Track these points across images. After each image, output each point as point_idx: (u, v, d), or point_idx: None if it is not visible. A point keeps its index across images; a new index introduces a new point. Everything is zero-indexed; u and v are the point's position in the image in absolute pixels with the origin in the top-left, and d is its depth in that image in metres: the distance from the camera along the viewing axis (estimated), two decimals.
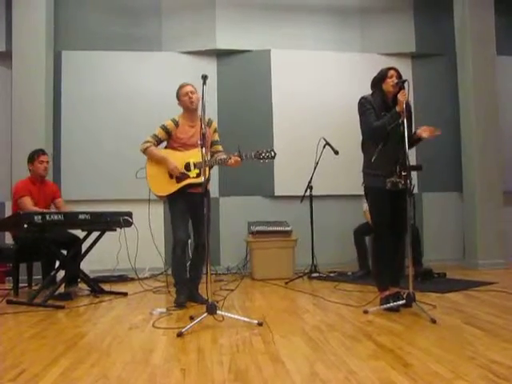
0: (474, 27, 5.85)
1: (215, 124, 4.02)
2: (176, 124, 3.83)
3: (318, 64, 6.07)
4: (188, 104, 3.81)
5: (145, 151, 3.82)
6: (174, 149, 3.83)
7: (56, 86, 5.70)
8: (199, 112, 3.46)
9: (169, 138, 3.85)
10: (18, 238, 4.35)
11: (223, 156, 3.77)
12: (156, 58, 5.90)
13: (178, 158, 3.76)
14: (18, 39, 5.43)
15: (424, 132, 3.40)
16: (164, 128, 3.82)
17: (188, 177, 3.75)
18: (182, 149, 3.81)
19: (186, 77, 4.06)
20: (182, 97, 3.83)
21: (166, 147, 3.92)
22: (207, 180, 3.68)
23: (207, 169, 3.64)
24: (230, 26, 5.99)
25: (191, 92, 3.81)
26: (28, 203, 4.27)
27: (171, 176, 3.78)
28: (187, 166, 3.75)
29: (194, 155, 3.71)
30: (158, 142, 3.85)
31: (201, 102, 3.17)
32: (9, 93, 5.52)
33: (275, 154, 3.51)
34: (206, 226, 3.15)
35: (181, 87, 3.87)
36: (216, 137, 4.00)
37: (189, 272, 3.97)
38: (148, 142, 3.81)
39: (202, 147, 3.12)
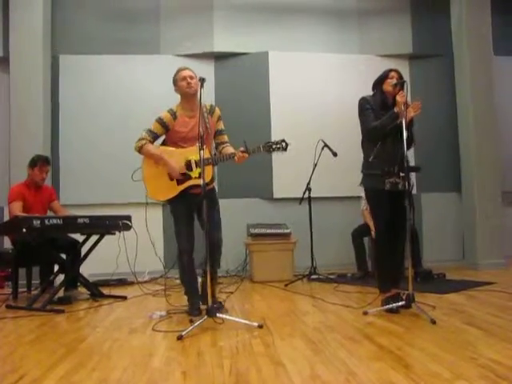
0: (470, 28, 5.88)
1: (218, 111, 3.59)
2: (174, 115, 3.42)
3: (316, 66, 6.08)
4: (186, 89, 3.40)
5: (140, 150, 3.42)
6: (174, 144, 3.45)
7: (54, 90, 5.69)
8: (199, 99, 3.15)
9: (166, 132, 3.45)
10: (17, 242, 4.33)
11: (229, 151, 3.44)
12: (154, 61, 5.89)
13: (178, 156, 3.38)
14: (16, 43, 5.43)
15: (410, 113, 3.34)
16: (160, 121, 3.42)
17: (190, 177, 3.38)
18: (182, 144, 3.42)
19: None
20: (180, 81, 3.43)
21: (163, 143, 3.56)
22: (211, 179, 3.46)
23: (211, 166, 3.39)
24: (227, 28, 5.99)
25: (190, 77, 3.41)
26: (16, 209, 4.22)
27: (172, 178, 3.42)
28: (188, 165, 3.38)
29: (196, 152, 3.18)
30: (155, 137, 3.46)
31: (199, 106, 3.10)
32: (7, 97, 5.51)
33: (287, 144, 3.25)
34: (211, 226, 3.03)
35: (178, 71, 3.48)
36: (221, 125, 3.59)
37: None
38: (143, 139, 3.42)
39: (200, 149, 3.01)
